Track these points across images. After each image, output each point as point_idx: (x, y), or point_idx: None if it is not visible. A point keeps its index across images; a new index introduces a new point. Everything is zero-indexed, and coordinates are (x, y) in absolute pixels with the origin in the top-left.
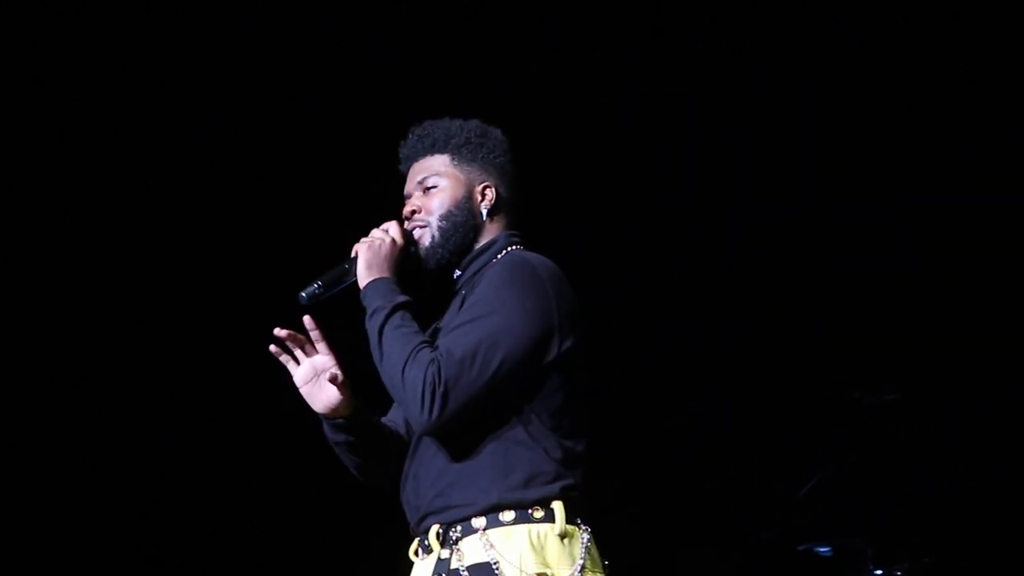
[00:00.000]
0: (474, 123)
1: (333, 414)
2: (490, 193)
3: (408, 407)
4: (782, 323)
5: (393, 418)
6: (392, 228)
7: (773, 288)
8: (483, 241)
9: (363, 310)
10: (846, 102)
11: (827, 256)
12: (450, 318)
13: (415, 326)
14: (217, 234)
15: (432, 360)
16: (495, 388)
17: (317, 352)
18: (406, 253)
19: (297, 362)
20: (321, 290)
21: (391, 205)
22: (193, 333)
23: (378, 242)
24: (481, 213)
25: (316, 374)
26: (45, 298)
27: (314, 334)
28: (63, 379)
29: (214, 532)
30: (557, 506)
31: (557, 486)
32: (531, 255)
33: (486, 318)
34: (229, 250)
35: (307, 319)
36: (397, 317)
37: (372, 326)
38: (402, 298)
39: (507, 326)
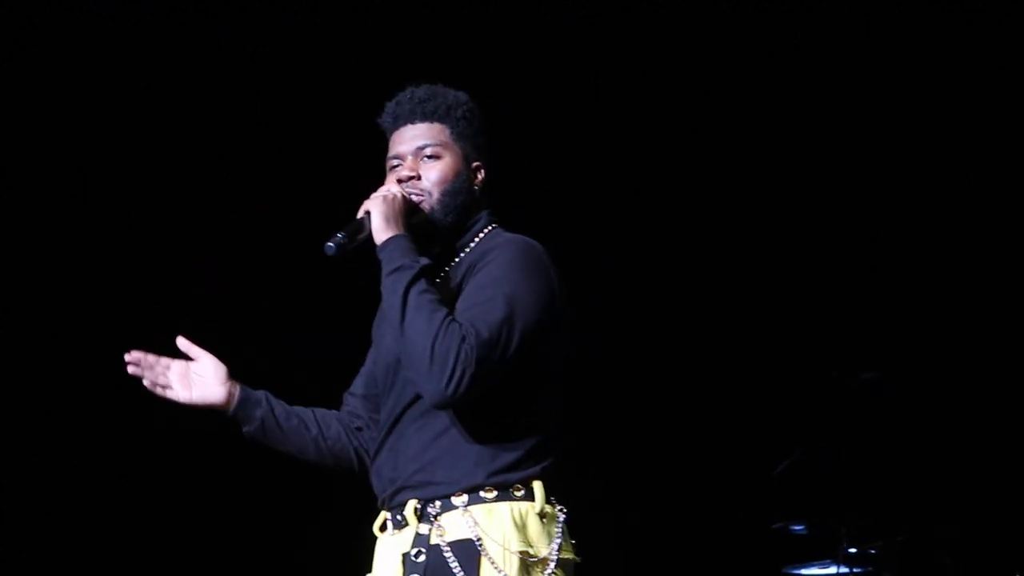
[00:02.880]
0: (465, 96)
1: (228, 394)
2: (482, 173)
3: (431, 378)
4: (760, 304)
5: (355, 391)
6: (395, 187)
7: (750, 270)
8: (471, 218)
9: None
10: (814, 97)
11: (804, 238)
12: (438, 292)
13: (437, 294)
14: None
15: (464, 336)
16: (510, 368)
17: (171, 369)
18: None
19: (159, 385)
20: (346, 239)
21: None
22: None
23: (391, 196)
24: (475, 191)
25: (188, 380)
26: (44, 297)
27: (193, 351)
28: (59, 378)
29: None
30: (537, 485)
31: (539, 467)
32: (523, 236)
33: (504, 299)
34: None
35: (180, 340)
36: (423, 281)
37: (395, 284)
38: (425, 260)
39: (523, 307)
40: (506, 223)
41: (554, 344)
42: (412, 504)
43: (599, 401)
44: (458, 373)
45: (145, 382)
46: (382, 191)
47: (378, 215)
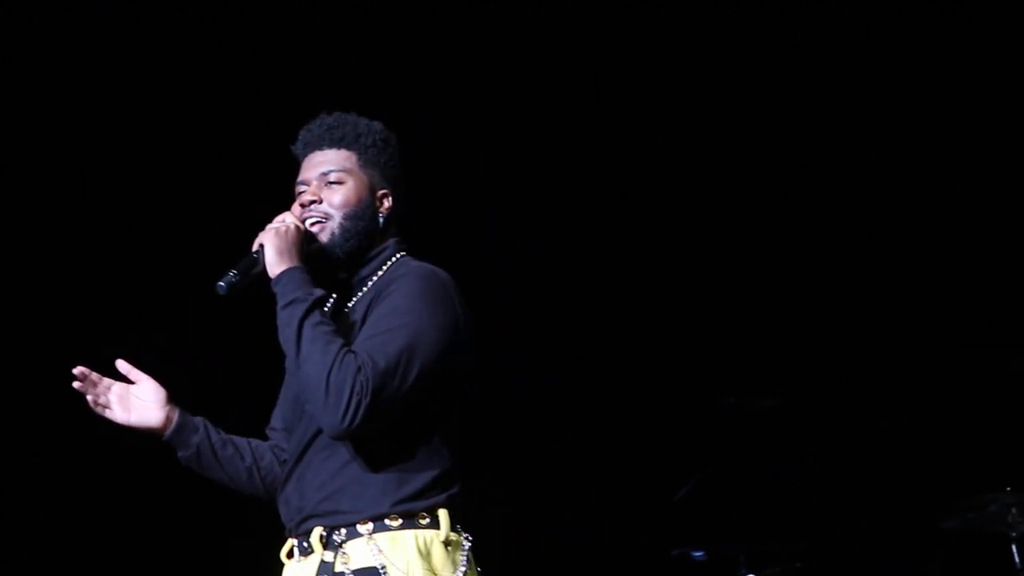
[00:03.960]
0: (379, 126)
1: (167, 418)
2: (388, 201)
3: (327, 410)
4: (661, 329)
5: (275, 425)
6: (289, 218)
7: (653, 294)
8: (376, 247)
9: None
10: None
11: (706, 262)
12: (341, 322)
13: (332, 325)
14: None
15: (360, 368)
16: (410, 399)
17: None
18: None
19: (100, 404)
20: (237, 278)
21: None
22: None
23: (284, 229)
24: (379, 219)
25: (127, 402)
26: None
27: (134, 375)
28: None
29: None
30: (443, 513)
31: (444, 495)
32: (429, 266)
33: (405, 328)
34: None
35: (120, 363)
36: (317, 314)
37: (289, 317)
38: (319, 292)
39: (424, 338)
40: (416, 252)
41: (458, 373)
42: (318, 531)
43: (501, 428)
44: (353, 404)
45: (88, 398)
46: (275, 223)
47: (271, 248)
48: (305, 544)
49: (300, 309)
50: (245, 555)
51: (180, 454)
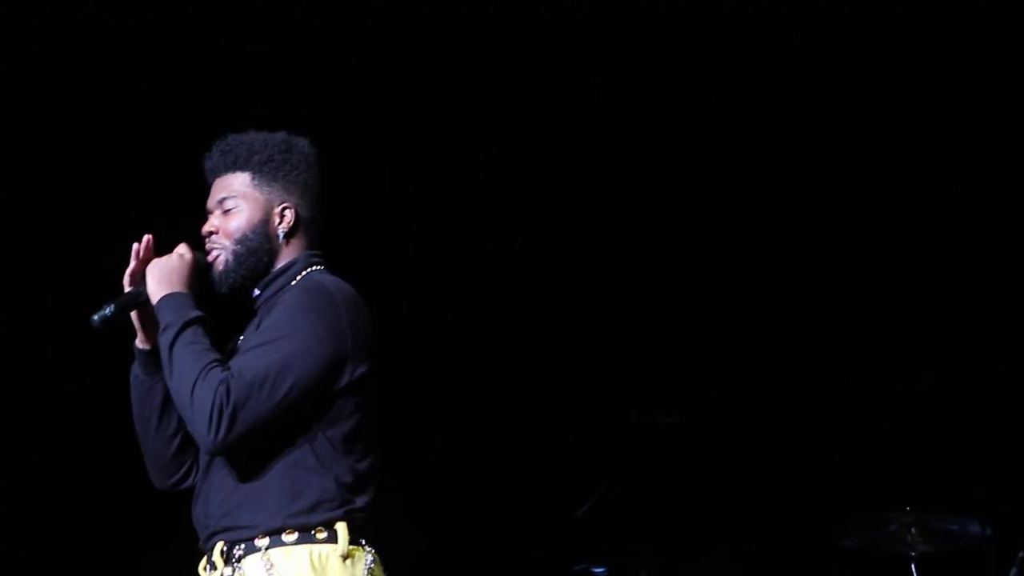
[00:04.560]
0: (280, 136)
1: (143, 337)
2: (288, 215)
3: (195, 426)
4: (561, 346)
5: None
6: (180, 248)
7: (551, 313)
8: (281, 263)
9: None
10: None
11: (605, 279)
12: (247, 338)
13: (207, 343)
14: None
15: (223, 380)
16: (284, 411)
17: None
18: (202, 272)
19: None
20: (113, 311)
21: None
22: None
23: (165, 259)
24: (278, 236)
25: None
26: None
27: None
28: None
29: None
30: (340, 527)
31: (343, 510)
32: (329, 279)
33: (280, 342)
34: None
35: (148, 237)
36: (189, 333)
37: (164, 341)
38: (194, 313)
39: (300, 351)
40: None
41: (353, 385)
42: (219, 547)
43: (405, 441)
44: (215, 416)
45: (132, 264)
46: (169, 255)
47: (151, 278)
48: (212, 559)
49: (172, 332)
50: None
51: (138, 373)
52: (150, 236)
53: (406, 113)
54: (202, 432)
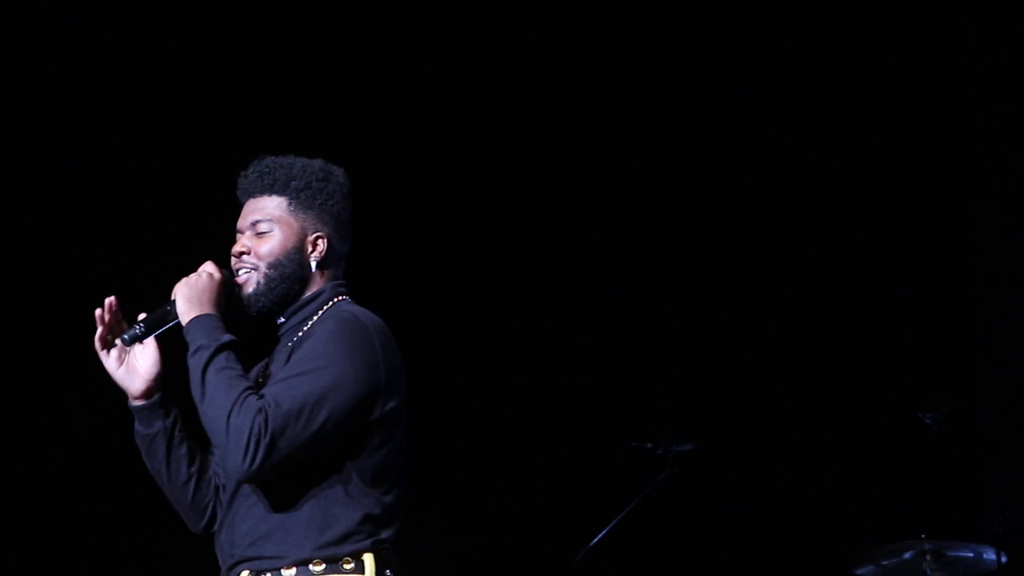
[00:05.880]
0: (318, 164)
1: (147, 392)
2: (322, 244)
3: (229, 453)
4: (579, 375)
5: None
6: (208, 266)
7: (565, 338)
8: (310, 291)
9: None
10: None
11: (624, 308)
12: (276, 367)
13: (239, 368)
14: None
15: (260, 409)
16: (318, 443)
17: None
18: (229, 291)
19: (103, 343)
20: (143, 330)
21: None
22: None
23: (195, 278)
24: (310, 264)
25: (126, 355)
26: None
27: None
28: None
29: None
30: (368, 558)
31: (370, 541)
32: (359, 310)
33: (316, 373)
34: None
35: (110, 299)
36: (222, 358)
37: (195, 364)
38: (227, 337)
39: (336, 383)
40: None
41: (384, 418)
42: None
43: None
44: (252, 445)
45: (99, 330)
46: (198, 273)
47: (181, 299)
48: None
49: (204, 355)
50: None
51: (139, 429)
52: (113, 298)
53: (406, 113)
54: (236, 459)
